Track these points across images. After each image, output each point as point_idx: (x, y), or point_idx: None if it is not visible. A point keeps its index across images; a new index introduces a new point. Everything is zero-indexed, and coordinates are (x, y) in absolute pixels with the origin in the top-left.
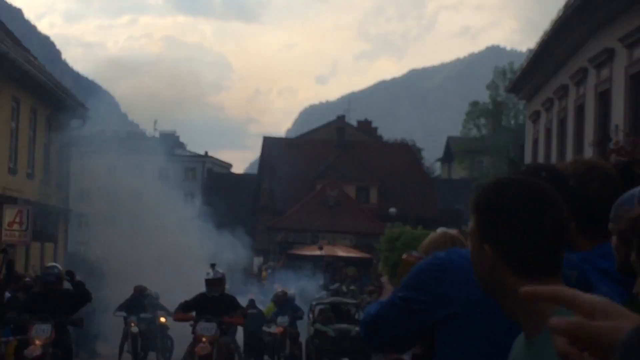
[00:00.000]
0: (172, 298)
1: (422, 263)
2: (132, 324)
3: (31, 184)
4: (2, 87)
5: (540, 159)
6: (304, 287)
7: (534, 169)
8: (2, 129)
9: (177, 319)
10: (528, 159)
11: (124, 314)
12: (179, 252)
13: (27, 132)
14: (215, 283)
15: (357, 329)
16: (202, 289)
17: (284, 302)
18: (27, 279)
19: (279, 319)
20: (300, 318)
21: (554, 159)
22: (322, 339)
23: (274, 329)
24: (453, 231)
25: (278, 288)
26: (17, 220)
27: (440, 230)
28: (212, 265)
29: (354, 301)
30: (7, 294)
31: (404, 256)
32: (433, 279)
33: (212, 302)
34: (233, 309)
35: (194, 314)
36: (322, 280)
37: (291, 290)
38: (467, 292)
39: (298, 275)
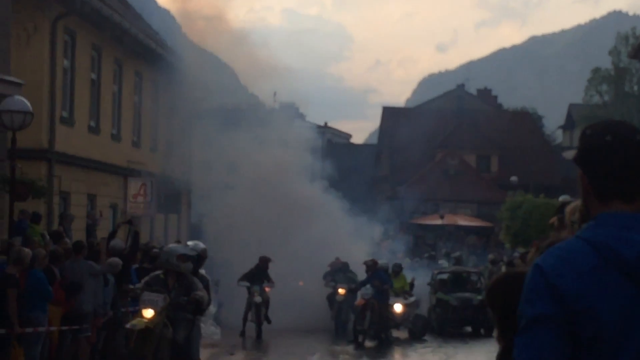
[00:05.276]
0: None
1: (527, 278)
2: (256, 294)
3: (154, 156)
4: (125, 62)
5: None
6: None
7: (600, 130)
8: (126, 104)
9: None
10: None
11: (247, 284)
12: (303, 222)
13: (150, 106)
14: None
15: (479, 297)
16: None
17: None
18: (155, 249)
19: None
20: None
21: None
22: (445, 308)
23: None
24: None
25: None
26: (141, 192)
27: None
28: None
29: (475, 270)
30: (135, 264)
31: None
32: (547, 288)
33: None
34: None
35: None
36: (444, 249)
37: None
38: (584, 286)
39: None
